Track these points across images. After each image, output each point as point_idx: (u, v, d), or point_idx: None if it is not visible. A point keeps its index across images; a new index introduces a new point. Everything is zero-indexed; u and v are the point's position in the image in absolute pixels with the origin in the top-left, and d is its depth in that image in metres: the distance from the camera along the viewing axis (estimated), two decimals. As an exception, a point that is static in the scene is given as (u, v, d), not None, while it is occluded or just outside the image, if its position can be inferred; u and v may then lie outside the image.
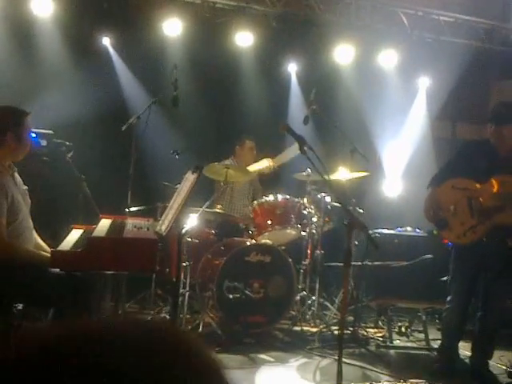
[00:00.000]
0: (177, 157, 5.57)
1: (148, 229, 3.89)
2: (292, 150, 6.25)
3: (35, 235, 3.97)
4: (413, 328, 5.99)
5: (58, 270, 3.43)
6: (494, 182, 4.46)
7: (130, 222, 4.10)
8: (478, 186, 4.51)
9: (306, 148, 3.53)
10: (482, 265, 4.58)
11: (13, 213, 3.61)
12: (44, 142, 5.60)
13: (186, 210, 5.53)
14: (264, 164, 6.47)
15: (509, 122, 4.47)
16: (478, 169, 4.51)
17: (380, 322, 6.03)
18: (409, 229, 6.03)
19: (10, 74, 6.37)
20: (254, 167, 6.50)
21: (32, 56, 6.64)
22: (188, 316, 5.57)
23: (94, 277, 3.77)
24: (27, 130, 3.76)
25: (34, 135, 5.56)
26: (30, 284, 3.46)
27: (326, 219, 6.14)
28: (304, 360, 4.96)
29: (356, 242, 6.00)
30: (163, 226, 3.77)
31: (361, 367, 4.80)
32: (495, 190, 4.44)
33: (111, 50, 7.05)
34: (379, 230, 5.95)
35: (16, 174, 3.85)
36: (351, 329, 5.53)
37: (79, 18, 6.72)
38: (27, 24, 6.60)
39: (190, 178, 3.84)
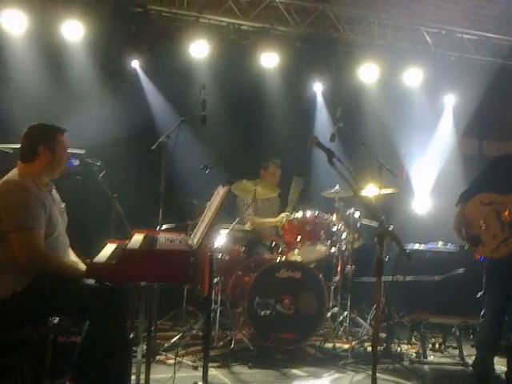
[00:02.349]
0: (207, 171, 5.61)
1: (180, 242, 3.91)
2: (296, 184, 6.31)
3: (71, 253, 4.01)
4: (447, 344, 5.94)
5: (93, 281, 3.45)
6: None
7: (163, 236, 4.13)
8: (505, 198, 4.48)
9: (334, 160, 3.54)
10: None
11: (50, 227, 3.64)
12: (76, 162, 5.67)
13: (216, 223, 5.66)
14: (279, 220, 6.48)
15: None
16: (505, 181, 4.49)
17: (414, 338, 5.97)
18: (440, 244, 5.98)
19: (42, 97, 6.51)
20: (270, 221, 6.60)
21: (63, 79, 6.78)
22: (220, 332, 5.57)
23: (128, 290, 3.80)
24: (62, 146, 3.79)
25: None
26: (65, 296, 3.47)
27: (356, 236, 6.14)
28: (337, 375, 4.93)
29: (387, 258, 5.98)
30: (195, 238, 3.80)
31: (395, 382, 4.75)
32: None
33: (140, 72, 7.20)
34: (410, 246, 5.90)
35: (54, 191, 3.90)
36: (384, 344, 5.47)
37: (108, 41, 6.86)
38: (59, 48, 6.76)
39: (220, 191, 3.87)
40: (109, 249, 4.05)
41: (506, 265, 4.46)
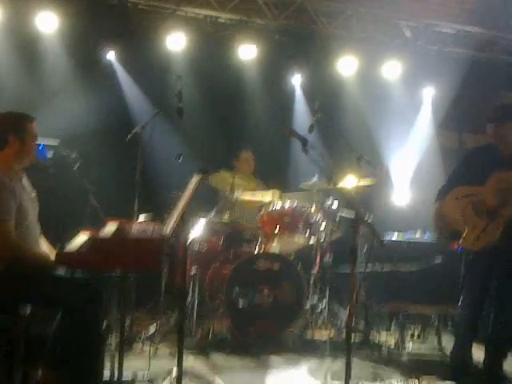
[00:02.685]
0: (179, 160, 5.53)
1: (153, 231, 3.86)
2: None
3: (43, 242, 3.96)
4: (426, 334, 5.91)
5: (63, 271, 3.40)
6: (492, 179, 4.44)
7: (136, 226, 4.07)
8: (479, 188, 4.49)
9: (308, 148, 3.51)
10: (494, 269, 4.52)
11: (21, 216, 3.61)
12: (50, 154, 5.61)
13: (190, 211, 5.58)
14: (267, 197, 6.42)
15: (508, 120, 4.49)
16: (482, 173, 4.50)
17: (392, 329, 5.94)
18: (418, 234, 5.97)
19: (15, 89, 6.43)
20: (257, 196, 6.49)
21: (37, 71, 6.70)
22: (198, 322, 5.50)
23: (100, 279, 3.75)
24: (31, 134, 3.77)
25: (39, 147, 5.61)
26: (37, 285, 3.44)
27: (335, 227, 6.10)
28: (315, 362, 4.91)
29: (365, 248, 5.96)
30: (168, 228, 3.75)
31: (372, 367, 4.74)
32: (495, 187, 4.42)
33: (116, 64, 7.12)
34: (388, 236, 5.88)
35: (25, 180, 3.86)
36: (362, 334, 5.45)
37: (84, 32, 6.78)
38: (33, 40, 6.68)
39: (194, 180, 3.85)
40: (81, 238, 3.99)
41: (484, 255, 4.46)
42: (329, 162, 3.65)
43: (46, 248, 3.94)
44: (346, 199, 3.46)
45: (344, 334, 5.54)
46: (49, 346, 3.45)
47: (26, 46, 6.69)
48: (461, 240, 4.50)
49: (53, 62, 6.76)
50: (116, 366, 3.85)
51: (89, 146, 6.19)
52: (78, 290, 3.49)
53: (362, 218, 3.46)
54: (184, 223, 3.70)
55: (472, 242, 4.48)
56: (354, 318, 5.89)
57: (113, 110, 6.69)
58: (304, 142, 3.52)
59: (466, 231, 4.45)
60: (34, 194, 3.94)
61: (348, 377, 3.13)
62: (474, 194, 4.50)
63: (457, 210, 4.53)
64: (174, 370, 3.73)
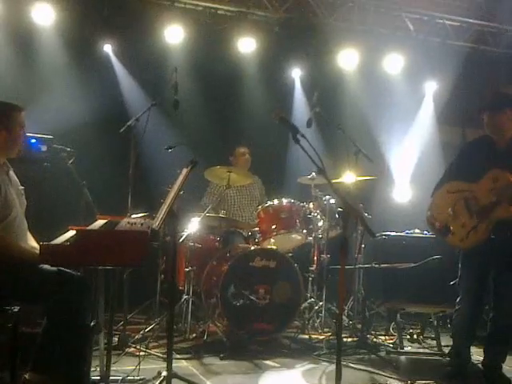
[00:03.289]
0: (170, 151, 5.42)
1: (142, 224, 3.76)
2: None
3: (30, 237, 3.86)
4: (425, 335, 5.83)
5: (48, 266, 3.31)
6: (487, 178, 4.36)
7: (126, 220, 3.98)
8: (473, 185, 4.40)
9: (299, 137, 3.38)
10: (489, 264, 4.44)
11: (5, 209, 3.52)
12: (44, 148, 5.50)
13: (178, 202, 5.46)
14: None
15: (502, 109, 4.41)
16: (477, 166, 4.42)
17: (392, 330, 5.86)
18: (417, 231, 5.87)
19: (11, 81, 6.34)
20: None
21: (33, 63, 6.62)
22: (193, 323, 5.46)
23: (87, 275, 3.66)
24: (18, 124, 3.67)
25: (34, 140, 5.51)
26: (22, 281, 3.35)
27: (333, 224, 5.98)
28: (310, 366, 4.80)
29: (363, 246, 5.86)
30: (157, 221, 3.67)
31: (369, 372, 4.64)
32: (489, 186, 4.33)
33: (112, 57, 7.04)
34: (387, 233, 5.78)
35: (11, 173, 3.77)
36: (359, 335, 5.36)
37: (80, 25, 6.70)
38: (28, 32, 6.60)
39: (183, 172, 3.76)
40: (68, 234, 3.90)
41: (478, 251, 4.38)
42: (318, 153, 3.45)
43: (33, 243, 3.85)
44: (334, 190, 3.31)
45: (343, 335, 5.47)
46: (36, 346, 3.36)
47: (22, 39, 6.61)
48: (449, 236, 4.43)
49: (49, 54, 6.69)
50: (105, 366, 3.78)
51: (84, 140, 6.11)
52: (64, 283, 3.38)
53: (351, 208, 3.31)
54: (173, 216, 3.61)
55: (460, 239, 4.42)
56: (347, 317, 5.87)
57: (109, 103, 6.59)
58: (294, 130, 3.39)
59: (454, 228, 4.38)
60: (21, 188, 3.84)
61: (338, 379, 3.03)
62: (467, 190, 4.43)
63: (448, 203, 4.47)
64: (164, 372, 3.66)
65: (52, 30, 6.67)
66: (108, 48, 7.01)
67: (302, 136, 3.30)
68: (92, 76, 6.62)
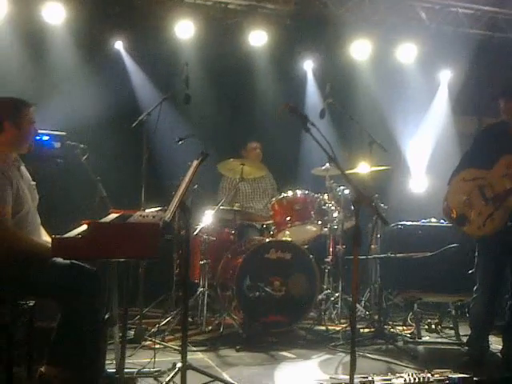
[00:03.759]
0: (180, 143, 5.41)
1: (154, 217, 3.76)
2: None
3: (43, 232, 3.88)
4: (443, 325, 5.78)
5: (61, 259, 3.31)
6: (500, 164, 4.33)
7: (138, 213, 3.98)
8: (487, 172, 4.35)
9: (308, 125, 3.35)
10: (506, 252, 4.39)
11: (18, 203, 3.52)
12: (58, 144, 5.55)
13: (192, 196, 5.50)
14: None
15: None
16: (492, 153, 4.39)
17: (409, 320, 5.81)
18: (433, 220, 5.80)
19: (23, 80, 6.36)
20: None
21: (45, 61, 6.66)
22: (209, 316, 5.46)
23: (100, 268, 3.66)
24: (28, 120, 3.68)
25: (46, 137, 5.55)
26: (35, 275, 3.35)
27: (348, 215, 5.93)
28: (327, 356, 4.78)
29: (379, 236, 5.81)
30: (168, 213, 3.67)
31: (386, 362, 4.59)
32: (502, 172, 4.29)
33: (124, 53, 7.06)
34: (402, 222, 5.72)
35: (23, 168, 3.78)
36: (376, 325, 5.31)
37: (91, 23, 6.73)
38: (40, 31, 6.63)
39: (194, 164, 3.75)
40: (81, 228, 3.91)
41: (495, 238, 4.34)
42: (329, 142, 3.41)
43: (47, 238, 3.86)
44: (345, 178, 3.29)
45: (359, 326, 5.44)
46: (52, 340, 3.37)
47: (34, 38, 6.65)
48: (466, 225, 4.38)
49: (60, 52, 6.71)
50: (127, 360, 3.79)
51: (97, 137, 6.14)
52: (77, 276, 3.38)
53: (362, 197, 3.28)
54: (185, 209, 3.61)
55: (478, 227, 4.37)
56: (364, 307, 5.82)
57: (121, 99, 6.61)
58: (304, 119, 3.36)
59: (471, 216, 4.33)
60: (32, 183, 3.86)
61: (353, 369, 3.00)
62: (481, 178, 4.39)
63: (463, 192, 4.45)
64: (179, 364, 3.65)
65: (63, 29, 6.69)
66: (119, 45, 7.03)
67: (312, 125, 3.28)
68: (104, 73, 6.65)
